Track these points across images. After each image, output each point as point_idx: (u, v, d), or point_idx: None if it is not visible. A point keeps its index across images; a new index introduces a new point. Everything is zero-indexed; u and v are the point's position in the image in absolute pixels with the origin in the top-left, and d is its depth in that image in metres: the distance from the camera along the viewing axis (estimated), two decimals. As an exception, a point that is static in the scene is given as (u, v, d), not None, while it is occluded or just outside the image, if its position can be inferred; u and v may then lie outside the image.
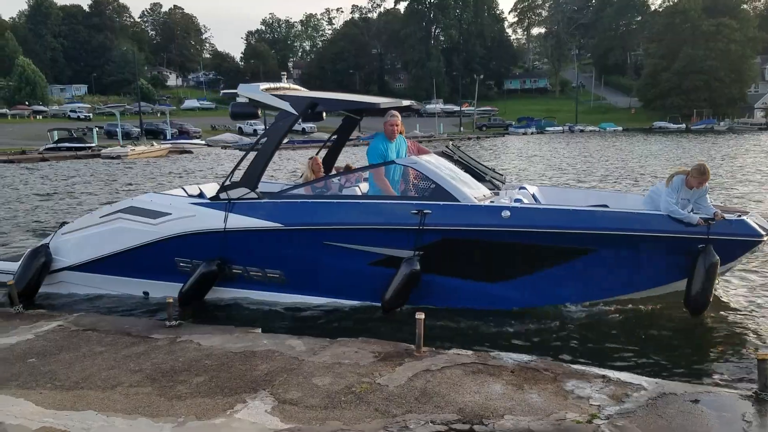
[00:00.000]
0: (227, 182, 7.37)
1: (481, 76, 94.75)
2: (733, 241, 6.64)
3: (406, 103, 8.33)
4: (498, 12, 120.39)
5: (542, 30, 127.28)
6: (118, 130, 54.84)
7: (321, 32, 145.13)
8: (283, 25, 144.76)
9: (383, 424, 3.77)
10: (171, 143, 50.73)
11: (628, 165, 28.67)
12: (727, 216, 6.53)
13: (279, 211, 7.15)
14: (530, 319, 6.55)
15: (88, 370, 4.75)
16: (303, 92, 8.19)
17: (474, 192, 7.19)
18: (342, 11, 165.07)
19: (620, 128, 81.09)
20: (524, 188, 8.16)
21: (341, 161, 9.50)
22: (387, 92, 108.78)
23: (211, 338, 5.46)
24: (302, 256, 7.13)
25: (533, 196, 7.99)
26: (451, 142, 8.73)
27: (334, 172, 8.80)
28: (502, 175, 8.87)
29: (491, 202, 7.21)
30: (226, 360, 4.91)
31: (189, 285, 7.12)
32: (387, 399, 4.10)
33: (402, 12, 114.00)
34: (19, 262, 7.75)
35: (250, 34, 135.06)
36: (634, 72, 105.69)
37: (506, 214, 6.66)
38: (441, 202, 6.82)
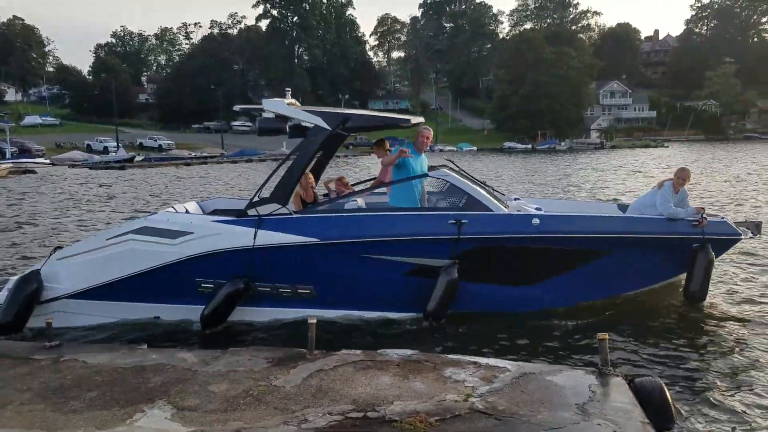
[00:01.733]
0: (256, 198, 7.15)
1: (347, 96, 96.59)
2: (722, 240, 7.66)
3: (417, 120, 8.21)
4: (359, 34, 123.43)
5: (402, 54, 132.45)
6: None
7: (177, 47, 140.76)
8: (136, 38, 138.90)
9: (284, 420, 4.06)
10: (12, 162, 46.83)
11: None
12: (710, 218, 7.59)
13: (314, 225, 7.03)
14: (409, 320, 7.07)
15: (-30, 393, 4.60)
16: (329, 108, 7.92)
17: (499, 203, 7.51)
18: (200, 26, 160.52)
19: (475, 148, 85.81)
20: (519, 199, 8.60)
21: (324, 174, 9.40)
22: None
23: (97, 356, 5.43)
24: (338, 270, 7.04)
25: (536, 207, 8.25)
26: (448, 160, 8.66)
27: (327, 186, 8.72)
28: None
29: (518, 211, 7.57)
30: (116, 375, 4.94)
31: (213, 306, 6.79)
32: (285, 398, 4.40)
33: (264, 29, 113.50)
34: (2, 292, 6.98)
35: (99, 47, 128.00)
36: (486, 96, 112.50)
37: (536, 221, 7.14)
38: (476, 212, 7.11)
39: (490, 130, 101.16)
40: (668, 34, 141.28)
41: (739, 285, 8.65)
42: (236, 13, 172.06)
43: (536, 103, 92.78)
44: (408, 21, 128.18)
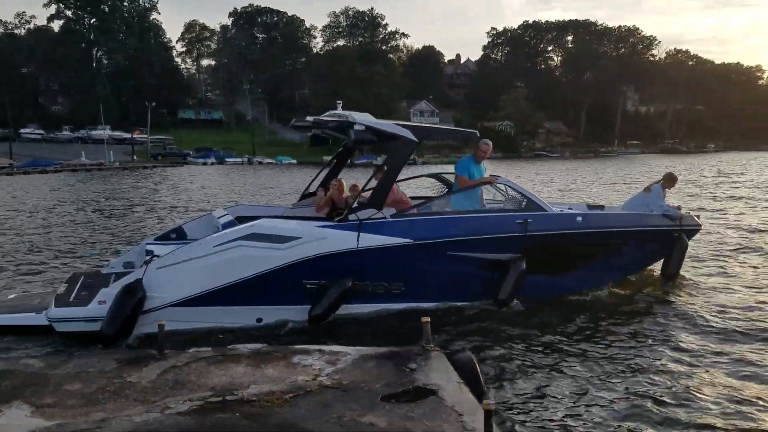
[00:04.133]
0: (355, 204, 7.96)
1: (153, 104, 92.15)
2: (692, 230, 9.95)
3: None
4: (165, 40, 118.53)
5: (212, 62, 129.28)
6: None
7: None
8: None
9: (146, 409, 4.35)
10: None
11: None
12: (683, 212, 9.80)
13: (407, 228, 7.84)
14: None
15: None
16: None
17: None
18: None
19: (295, 161, 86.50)
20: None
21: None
22: (45, 117, 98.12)
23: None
24: (426, 267, 7.88)
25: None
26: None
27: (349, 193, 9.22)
28: None
29: (560, 210, 9.13)
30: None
31: (323, 305, 7.34)
32: (143, 391, 4.66)
33: (57, 31, 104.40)
34: (106, 304, 6.81)
35: None
36: (303, 109, 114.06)
37: (579, 219, 8.71)
38: (536, 213, 8.45)
39: (310, 144, 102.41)
40: (468, 59, 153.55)
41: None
42: (24, 12, 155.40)
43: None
44: (218, 29, 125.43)
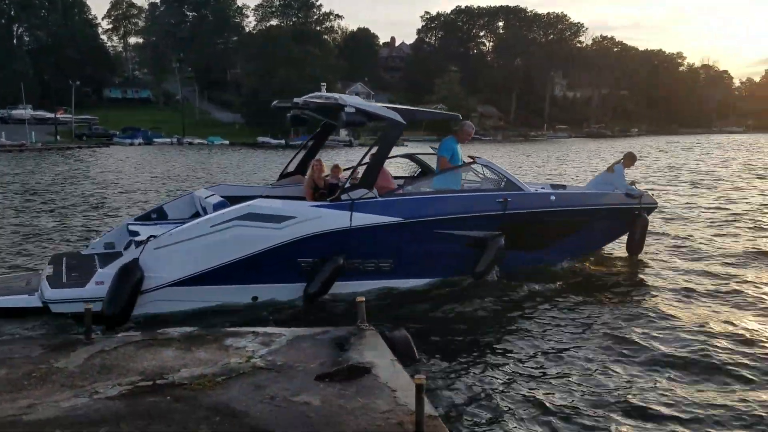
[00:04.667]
0: (347, 185, 8.08)
1: (78, 83, 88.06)
2: (650, 208, 10.76)
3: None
4: (90, 17, 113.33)
5: (140, 40, 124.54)
6: None
7: None
8: None
9: (74, 393, 4.24)
10: None
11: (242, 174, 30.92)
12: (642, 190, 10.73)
13: (397, 207, 8.17)
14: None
15: None
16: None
17: None
18: None
19: (227, 142, 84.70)
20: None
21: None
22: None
23: None
24: (415, 245, 8.25)
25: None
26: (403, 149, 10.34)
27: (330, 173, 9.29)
28: None
29: (535, 190, 9.67)
30: None
31: (319, 282, 7.58)
32: (70, 376, 4.54)
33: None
34: (104, 284, 6.88)
35: None
36: (236, 89, 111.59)
37: (553, 198, 9.34)
38: (514, 192, 8.96)
39: (242, 125, 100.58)
40: (403, 42, 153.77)
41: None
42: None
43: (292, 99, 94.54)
44: (146, 6, 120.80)
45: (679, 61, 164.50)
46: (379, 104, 8.78)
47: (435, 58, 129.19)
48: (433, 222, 8.34)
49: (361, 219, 7.89)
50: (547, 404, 5.17)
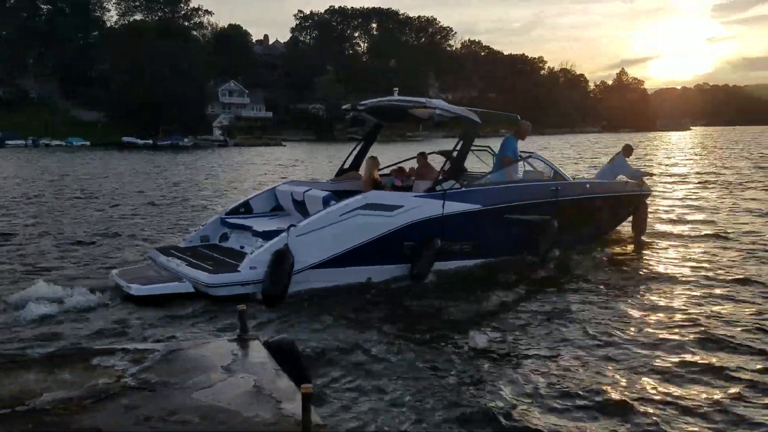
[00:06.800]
0: (440, 177, 9.79)
1: None
2: (648, 194, 13.20)
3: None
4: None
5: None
6: None
7: None
8: None
9: None
10: None
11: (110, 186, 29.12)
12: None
13: (477, 196, 9.76)
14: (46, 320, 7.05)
15: None
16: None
17: None
18: None
19: (88, 143, 79.68)
20: None
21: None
22: None
23: None
24: (490, 229, 9.78)
25: None
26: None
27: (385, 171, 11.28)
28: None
29: (572, 179, 12.21)
30: None
31: (424, 263, 8.92)
32: None
33: None
34: (257, 269, 8.03)
35: None
36: (101, 86, 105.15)
37: (588, 186, 11.75)
38: (562, 182, 11.04)
39: (107, 124, 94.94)
40: (277, 40, 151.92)
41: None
42: None
43: (158, 97, 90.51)
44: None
45: (540, 65, 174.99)
46: (462, 107, 10.39)
47: (311, 57, 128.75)
48: (504, 208, 9.93)
49: (451, 207, 9.34)
50: (440, 410, 5.18)
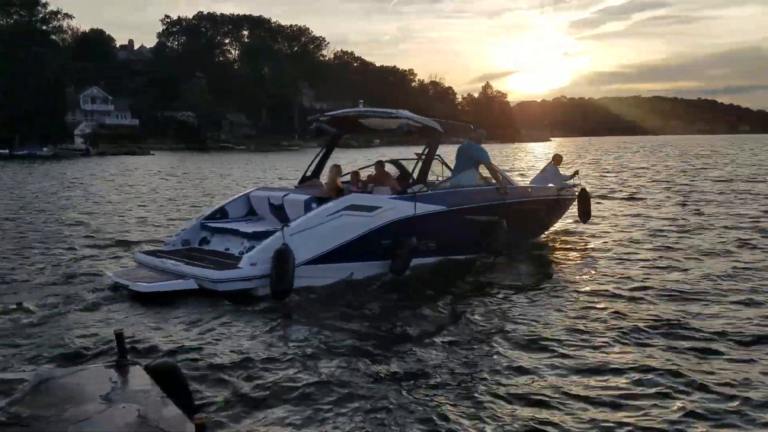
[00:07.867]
0: (410, 181, 10.82)
1: None
2: (581, 186, 14.50)
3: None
4: None
5: None
6: None
7: None
8: None
9: None
10: None
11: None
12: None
13: (442, 198, 10.54)
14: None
15: None
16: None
17: None
18: None
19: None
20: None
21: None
22: None
23: None
24: (452, 228, 10.50)
25: None
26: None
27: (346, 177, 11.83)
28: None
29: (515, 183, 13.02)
30: None
31: (403, 260, 9.51)
32: None
33: None
34: (267, 266, 8.47)
35: None
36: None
37: (530, 190, 12.80)
38: (509, 185, 11.93)
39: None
40: (143, 45, 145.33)
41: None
42: None
43: (14, 104, 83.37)
44: None
45: (411, 77, 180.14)
46: (428, 117, 11.11)
47: (179, 64, 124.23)
48: (464, 210, 10.72)
49: (421, 208, 10.00)
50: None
